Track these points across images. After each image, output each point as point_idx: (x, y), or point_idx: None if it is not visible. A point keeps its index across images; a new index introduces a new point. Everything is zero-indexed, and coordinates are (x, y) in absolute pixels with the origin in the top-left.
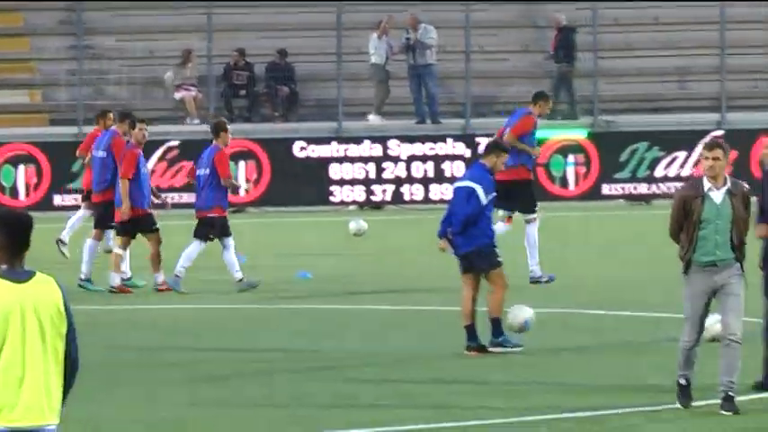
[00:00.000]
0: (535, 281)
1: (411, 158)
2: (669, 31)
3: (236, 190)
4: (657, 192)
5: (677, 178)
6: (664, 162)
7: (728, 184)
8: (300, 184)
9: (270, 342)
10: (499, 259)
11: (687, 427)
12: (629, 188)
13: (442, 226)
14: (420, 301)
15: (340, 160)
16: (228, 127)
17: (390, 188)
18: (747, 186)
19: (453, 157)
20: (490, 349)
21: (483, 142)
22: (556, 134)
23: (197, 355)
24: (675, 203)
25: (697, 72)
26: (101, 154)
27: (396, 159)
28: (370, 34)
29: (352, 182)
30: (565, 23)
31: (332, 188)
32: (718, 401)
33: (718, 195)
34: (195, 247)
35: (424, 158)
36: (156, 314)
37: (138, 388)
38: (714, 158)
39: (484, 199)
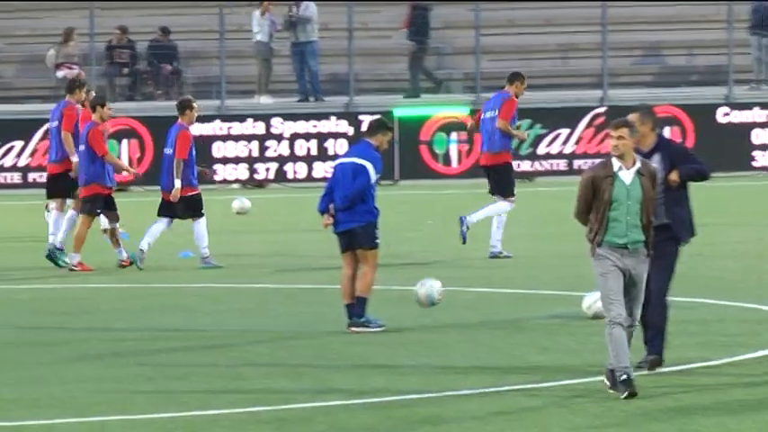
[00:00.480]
0: (495, 256)
1: (294, 136)
2: (551, 8)
3: (120, 170)
4: (540, 169)
5: (560, 155)
6: (546, 139)
7: (638, 164)
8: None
9: (153, 321)
10: (378, 240)
11: (567, 404)
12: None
13: (322, 202)
14: (303, 278)
15: (223, 138)
16: (194, 104)
17: (273, 166)
18: (656, 166)
19: (336, 135)
20: (352, 329)
21: (366, 120)
22: (439, 112)
23: (79, 334)
24: (583, 184)
25: (579, 49)
26: (56, 125)
27: (279, 137)
28: (253, 12)
29: (236, 160)
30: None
31: (215, 167)
32: (602, 380)
33: (627, 176)
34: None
35: (307, 136)
36: (39, 293)
37: (22, 367)
38: (619, 137)
39: (374, 176)
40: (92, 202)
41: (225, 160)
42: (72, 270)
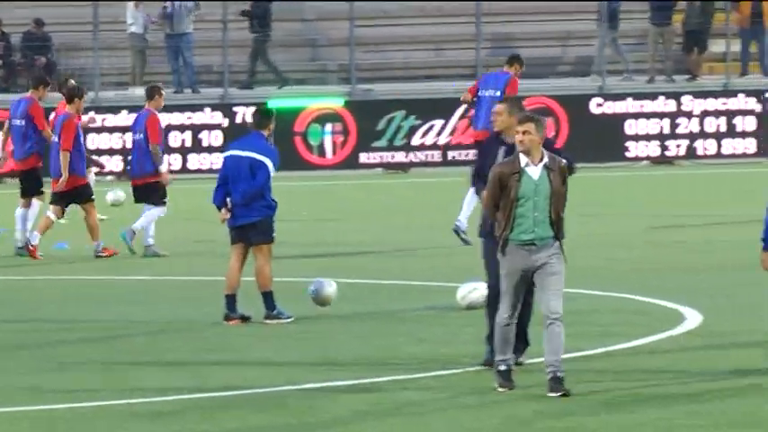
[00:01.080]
0: (457, 232)
1: (169, 128)
2: None
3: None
4: (415, 160)
5: (434, 146)
6: (421, 130)
7: (546, 159)
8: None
9: (27, 312)
10: (274, 234)
11: (442, 395)
12: (387, 157)
13: (217, 195)
14: (181, 270)
15: (97, 130)
16: (163, 91)
17: None
18: (565, 161)
19: (211, 127)
20: (266, 322)
21: (241, 112)
22: (313, 103)
23: None
24: (491, 180)
25: (453, 40)
26: (18, 122)
27: None
28: (127, 3)
29: (110, 152)
30: None
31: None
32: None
33: (535, 171)
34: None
35: (181, 128)
36: None
37: None
38: (525, 132)
39: (273, 172)
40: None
41: (99, 152)
42: (99, 257)
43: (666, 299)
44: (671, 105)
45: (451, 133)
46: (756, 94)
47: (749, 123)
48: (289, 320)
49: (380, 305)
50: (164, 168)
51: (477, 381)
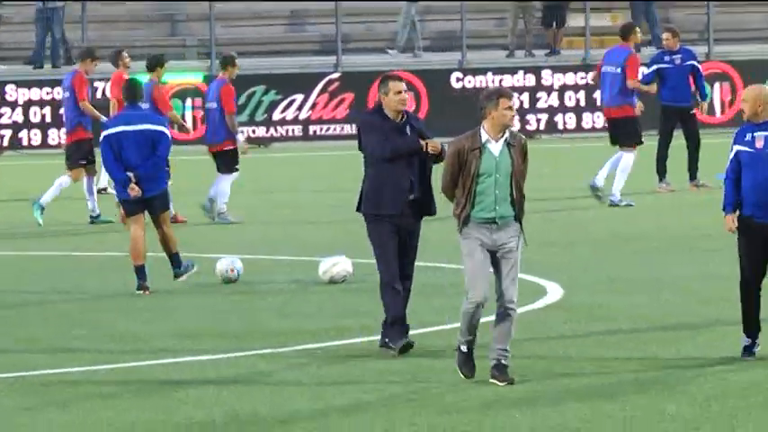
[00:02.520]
0: (614, 204)
1: (28, 103)
2: None
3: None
4: (276, 135)
5: (295, 121)
6: (281, 105)
7: (507, 134)
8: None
9: None
10: (170, 203)
11: (305, 368)
12: (248, 131)
13: (118, 171)
14: (36, 246)
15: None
16: (236, 61)
17: (8, 133)
18: (525, 138)
19: None
20: (180, 279)
21: (101, 87)
22: (173, 78)
23: None
24: (449, 156)
25: (311, 15)
26: (66, 95)
27: (13, 105)
28: None
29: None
30: None
31: None
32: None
33: (496, 147)
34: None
35: (41, 103)
36: None
37: None
38: (510, 108)
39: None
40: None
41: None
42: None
43: (528, 272)
44: (531, 80)
45: (312, 108)
46: None
47: None
48: (195, 270)
49: (244, 279)
50: (241, 137)
51: (338, 354)
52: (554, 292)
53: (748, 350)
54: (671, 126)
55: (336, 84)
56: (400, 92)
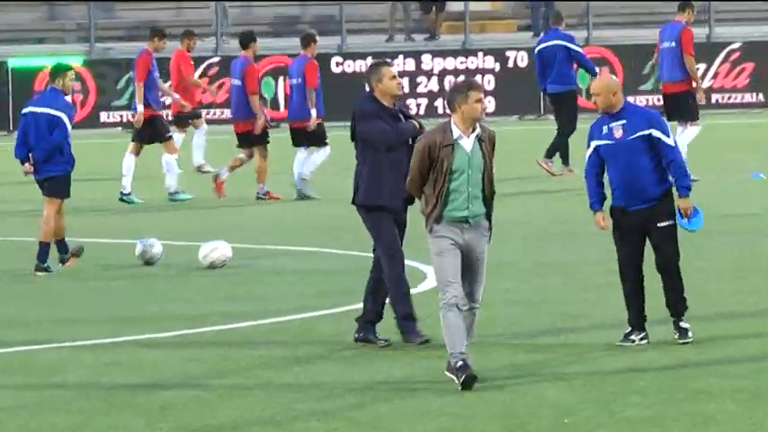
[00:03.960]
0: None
1: None
2: None
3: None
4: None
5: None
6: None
7: (478, 129)
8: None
9: None
10: (70, 191)
11: (185, 353)
12: (127, 115)
13: (19, 149)
14: None
15: None
16: (317, 38)
17: None
18: (494, 131)
19: None
20: (37, 274)
21: None
22: (52, 62)
23: None
24: (418, 152)
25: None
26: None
27: None
28: None
29: None
30: None
31: None
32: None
33: (468, 143)
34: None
35: None
36: None
37: None
38: (479, 101)
39: (70, 127)
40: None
41: None
42: (260, 198)
43: (409, 257)
44: (410, 64)
45: (204, 92)
46: (495, 53)
47: (488, 83)
48: (57, 272)
49: (124, 264)
50: (313, 114)
51: (218, 340)
52: (433, 277)
53: (627, 336)
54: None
55: (216, 68)
56: (395, 76)
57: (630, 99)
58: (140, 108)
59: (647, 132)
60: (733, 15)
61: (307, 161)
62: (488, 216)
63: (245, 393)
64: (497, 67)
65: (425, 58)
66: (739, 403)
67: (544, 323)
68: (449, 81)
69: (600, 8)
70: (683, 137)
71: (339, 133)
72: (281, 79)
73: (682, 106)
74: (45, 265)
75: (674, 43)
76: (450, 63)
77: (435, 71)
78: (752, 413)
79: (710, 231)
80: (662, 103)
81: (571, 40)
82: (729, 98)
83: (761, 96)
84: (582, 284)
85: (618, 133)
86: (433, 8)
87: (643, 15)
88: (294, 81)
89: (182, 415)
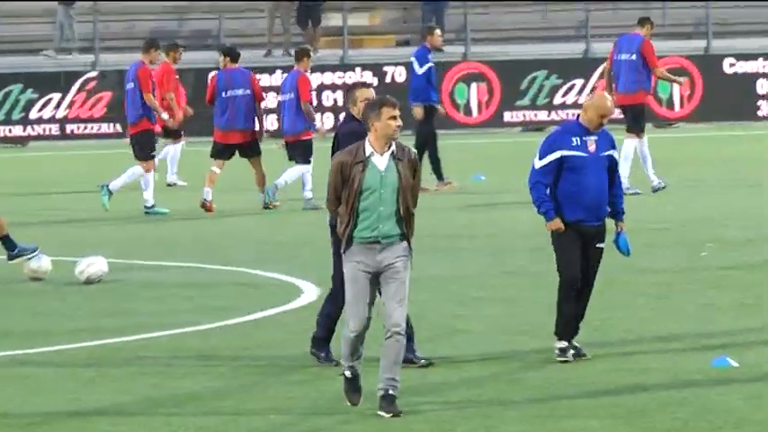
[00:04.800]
0: (657, 190)
1: None
2: None
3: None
4: (33, 134)
5: (52, 120)
6: (38, 104)
7: (393, 147)
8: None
9: None
10: None
11: (61, 369)
12: (4, 130)
13: None
14: None
15: None
16: (312, 53)
17: None
18: (415, 151)
19: None
20: (11, 262)
21: None
22: None
23: None
24: (332, 170)
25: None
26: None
27: None
28: None
29: None
30: None
31: None
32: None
33: (381, 161)
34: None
35: None
36: None
37: None
38: (394, 117)
39: None
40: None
41: None
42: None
43: (285, 273)
44: None
45: (69, 107)
46: (373, 68)
47: None
48: (35, 253)
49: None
50: (318, 125)
51: (94, 354)
52: (310, 292)
53: (564, 352)
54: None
55: (93, 83)
56: (367, 98)
57: (507, 114)
58: (165, 115)
59: (611, 152)
60: (614, 31)
61: (288, 171)
62: (405, 237)
63: (122, 408)
64: (375, 81)
65: None
66: (617, 418)
67: (421, 337)
68: (326, 96)
69: (478, 24)
70: (627, 148)
71: (201, 149)
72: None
73: (636, 118)
74: (17, 251)
75: (634, 56)
76: (327, 78)
77: (313, 86)
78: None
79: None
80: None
81: (421, 56)
82: None
83: None
84: (457, 299)
85: (591, 147)
86: (309, 22)
87: (519, 31)
88: (287, 96)
89: (54, 430)
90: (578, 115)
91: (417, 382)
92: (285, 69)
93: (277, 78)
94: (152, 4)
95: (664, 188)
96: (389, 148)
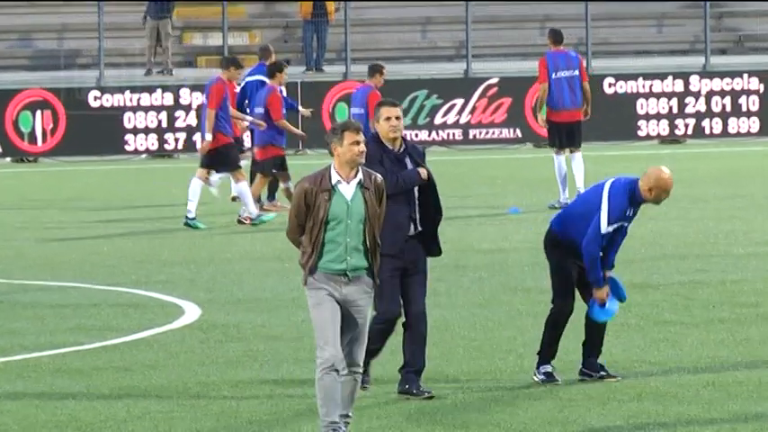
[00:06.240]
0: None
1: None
2: None
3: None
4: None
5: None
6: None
7: (360, 175)
8: None
9: None
10: None
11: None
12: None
13: None
14: None
15: None
16: (384, 70)
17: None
18: (381, 178)
19: None
20: None
21: None
22: None
23: None
24: (296, 198)
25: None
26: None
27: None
28: None
29: None
30: None
31: None
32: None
33: (348, 189)
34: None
35: None
36: None
37: None
38: (358, 142)
39: None
40: (267, 163)
41: None
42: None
43: (166, 292)
44: (168, 98)
45: (471, 112)
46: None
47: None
48: None
49: None
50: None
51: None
52: (192, 312)
53: (551, 376)
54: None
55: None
56: (389, 118)
57: (408, 132)
58: (209, 136)
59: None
60: (491, 51)
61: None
62: (371, 271)
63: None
64: None
65: (183, 92)
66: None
67: (299, 357)
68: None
69: (359, 44)
70: (577, 162)
71: (77, 168)
72: (38, 113)
73: (580, 133)
74: None
75: (576, 71)
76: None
77: (193, 105)
78: None
79: (459, 266)
80: (547, 131)
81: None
82: (487, 133)
83: (518, 132)
84: None
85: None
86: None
87: (401, 50)
88: (357, 110)
89: None
90: (638, 180)
91: (299, 401)
92: (166, 89)
93: (157, 98)
94: (34, 22)
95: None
96: (356, 175)
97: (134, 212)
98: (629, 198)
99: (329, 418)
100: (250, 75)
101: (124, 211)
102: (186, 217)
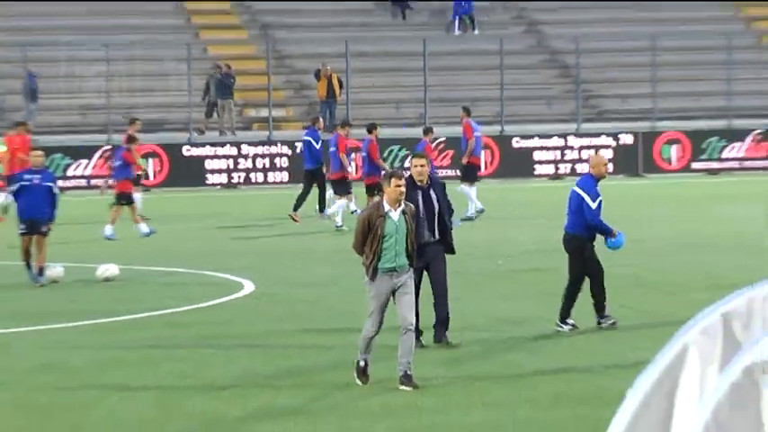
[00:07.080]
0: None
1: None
2: None
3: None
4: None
5: None
6: None
7: (402, 205)
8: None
9: None
10: None
11: None
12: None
13: None
14: None
15: None
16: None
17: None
18: (414, 207)
19: None
20: None
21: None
22: None
23: None
24: (361, 222)
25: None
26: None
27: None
28: None
29: None
30: None
31: None
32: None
33: (395, 215)
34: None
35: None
36: None
37: None
38: (398, 185)
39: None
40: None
41: None
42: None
43: (231, 273)
44: (233, 150)
45: None
46: (288, 143)
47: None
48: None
49: None
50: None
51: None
52: (249, 286)
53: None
54: None
55: None
56: (416, 166)
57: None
58: (351, 169)
59: None
60: (445, 120)
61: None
62: (411, 264)
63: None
64: (290, 152)
65: (243, 146)
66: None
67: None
68: (258, 162)
69: (359, 115)
70: (473, 191)
71: (175, 195)
72: (149, 159)
73: (475, 172)
74: None
75: (479, 133)
76: (259, 149)
77: (250, 155)
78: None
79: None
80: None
81: (312, 135)
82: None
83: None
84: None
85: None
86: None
87: (382, 120)
88: (363, 154)
89: None
90: (588, 171)
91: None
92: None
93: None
94: None
95: (473, 219)
96: (400, 206)
97: (218, 220)
98: (592, 181)
99: (362, 355)
100: (307, 135)
101: (212, 221)
102: (336, 226)
